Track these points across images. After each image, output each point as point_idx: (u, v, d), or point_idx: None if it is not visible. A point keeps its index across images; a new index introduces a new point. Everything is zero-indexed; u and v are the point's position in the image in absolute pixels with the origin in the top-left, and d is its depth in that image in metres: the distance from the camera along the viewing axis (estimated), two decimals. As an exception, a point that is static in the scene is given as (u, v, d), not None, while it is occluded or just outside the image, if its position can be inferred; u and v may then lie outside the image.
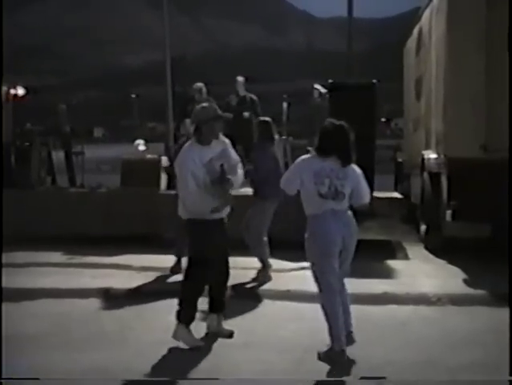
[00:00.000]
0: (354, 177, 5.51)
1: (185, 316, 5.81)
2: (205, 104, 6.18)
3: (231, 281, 6.82)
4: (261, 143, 8.41)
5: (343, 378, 5.16)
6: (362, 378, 5.13)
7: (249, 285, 8.07)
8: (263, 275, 8.20)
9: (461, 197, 9.17)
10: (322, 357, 5.37)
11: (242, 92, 12.36)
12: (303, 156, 5.61)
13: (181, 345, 5.75)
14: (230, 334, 6.00)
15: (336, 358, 5.30)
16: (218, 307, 6.10)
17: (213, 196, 5.78)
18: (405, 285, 8.07)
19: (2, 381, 5.13)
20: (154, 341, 5.90)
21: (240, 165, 6.08)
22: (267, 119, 8.59)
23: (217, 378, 5.13)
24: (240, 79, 12.49)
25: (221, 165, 5.82)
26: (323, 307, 5.42)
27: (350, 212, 5.56)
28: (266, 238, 8.24)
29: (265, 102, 12.73)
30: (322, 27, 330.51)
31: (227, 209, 6.02)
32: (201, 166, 5.75)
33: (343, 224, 5.42)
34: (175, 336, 5.78)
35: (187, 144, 5.99)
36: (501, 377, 5.08)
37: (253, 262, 8.37)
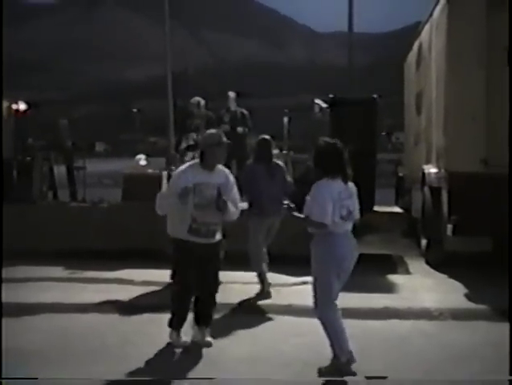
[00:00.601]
0: (355, 194, 5.60)
1: (173, 321, 6.25)
2: (213, 131, 6.45)
3: (235, 297, 6.87)
4: (255, 161, 8.43)
5: (345, 378, 5.23)
6: (368, 377, 5.22)
7: (252, 300, 8.07)
8: (262, 291, 8.22)
9: (461, 212, 9.18)
10: (324, 372, 5.38)
11: (233, 107, 12.42)
12: (321, 183, 5.40)
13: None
14: (210, 345, 6.19)
15: (343, 369, 5.33)
16: (203, 321, 6.29)
17: (196, 218, 5.99)
18: (406, 299, 8.07)
19: (2, 381, 5.14)
20: (156, 355, 5.90)
21: (238, 201, 6.28)
22: (267, 137, 8.61)
23: (213, 378, 5.21)
24: (231, 94, 12.54)
25: (218, 188, 6.00)
26: (324, 321, 5.44)
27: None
28: (264, 254, 8.28)
29: (265, 116, 12.79)
30: (322, 42, 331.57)
31: (217, 236, 6.19)
32: (192, 185, 5.91)
33: (352, 243, 5.55)
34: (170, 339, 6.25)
35: (189, 163, 6.29)
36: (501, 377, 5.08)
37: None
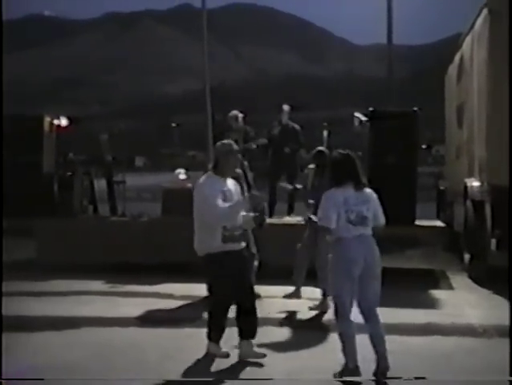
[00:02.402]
0: (373, 200, 5.76)
1: (212, 335, 6.24)
2: (225, 141, 6.49)
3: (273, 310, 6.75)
4: (322, 176, 8.34)
5: (348, 379, 5.26)
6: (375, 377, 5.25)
7: (308, 316, 8.02)
8: (323, 306, 8.08)
9: (505, 226, 9.00)
10: (337, 376, 5.58)
11: (285, 121, 12.32)
12: (328, 191, 5.75)
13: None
14: (263, 356, 6.16)
15: (351, 375, 5.48)
16: (249, 333, 6.22)
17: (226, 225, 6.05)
18: (449, 315, 7.92)
19: (2, 381, 5.15)
20: (194, 371, 5.87)
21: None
22: (323, 148, 8.60)
23: (212, 379, 5.25)
24: (286, 107, 12.42)
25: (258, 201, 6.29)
26: (339, 331, 5.64)
27: (373, 238, 5.73)
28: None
29: (305, 130, 12.69)
30: (361, 54, 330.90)
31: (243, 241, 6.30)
32: (219, 193, 6.02)
33: (366, 247, 5.63)
34: (207, 350, 6.26)
35: (205, 175, 6.30)
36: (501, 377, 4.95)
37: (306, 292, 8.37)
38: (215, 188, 6.05)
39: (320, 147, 8.69)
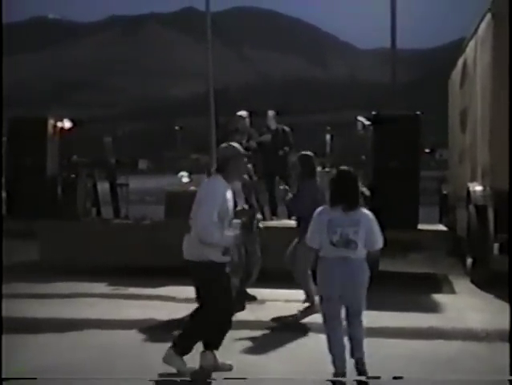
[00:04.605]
0: (365, 222, 5.63)
1: (184, 349, 5.85)
2: (231, 144, 6.11)
3: (274, 313, 6.75)
4: (304, 179, 8.38)
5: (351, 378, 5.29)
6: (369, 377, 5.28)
7: (295, 319, 8.01)
8: (309, 308, 8.12)
9: (508, 230, 9.00)
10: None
11: (273, 126, 12.33)
12: (316, 211, 5.79)
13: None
14: (230, 368, 5.91)
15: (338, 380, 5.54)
16: (218, 343, 5.93)
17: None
18: (451, 319, 7.93)
19: (2, 381, 5.17)
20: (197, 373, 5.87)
21: None
22: (309, 153, 8.56)
23: (214, 379, 5.28)
24: (270, 113, 12.41)
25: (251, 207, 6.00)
26: (327, 336, 5.71)
27: (362, 262, 5.64)
28: (310, 272, 8.22)
29: (307, 133, 12.71)
30: (364, 58, 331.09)
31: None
32: (225, 201, 5.71)
33: (346, 270, 5.56)
34: (166, 360, 5.87)
35: (214, 176, 5.86)
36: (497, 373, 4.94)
37: (297, 295, 8.35)
38: (224, 196, 5.68)
39: (305, 152, 8.61)
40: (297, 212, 8.35)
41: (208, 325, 5.86)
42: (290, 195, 8.43)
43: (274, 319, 7.89)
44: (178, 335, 5.92)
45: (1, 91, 11.59)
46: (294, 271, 8.15)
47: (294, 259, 8.15)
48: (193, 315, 5.98)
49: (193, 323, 5.94)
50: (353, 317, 5.73)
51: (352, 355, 5.64)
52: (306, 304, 8.19)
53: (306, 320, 7.89)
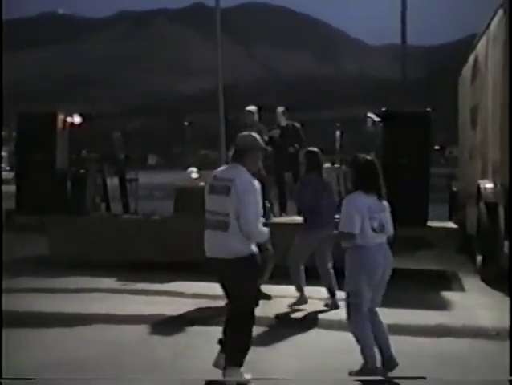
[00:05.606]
0: (388, 210, 5.79)
1: (241, 357, 5.53)
2: (252, 133, 5.81)
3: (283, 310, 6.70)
4: (307, 174, 8.39)
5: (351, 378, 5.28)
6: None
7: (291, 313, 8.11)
8: (298, 303, 8.28)
9: (508, 230, 8.95)
10: (353, 374, 5.61)
11: (283, 122, 12.31)
12: (351, 196, 5.72)
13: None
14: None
15: (370, 375, 5.50)
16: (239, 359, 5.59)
17: None
18: (461, 317, 7.88)
19: (2, 381, 5.17)
20: (205, 369, 5.86)
21: None
22: (314, 149, 8.56)
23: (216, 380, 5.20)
24: (280, 109, 12.40)
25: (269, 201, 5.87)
26: (356, 332, 5.63)
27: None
28: (302, 267, 8.36)
29: (317, 130, 12.68)
30: (375, 55, 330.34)
31: None
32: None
33: (385, 255, 5.68)
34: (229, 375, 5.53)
35: (235, 166, 5.55)
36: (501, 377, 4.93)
37: (307, 291, 8.37)
38: (258, 188, 5.41)
39: (311, 148, 8.63)
40: (299, 204, 8.50)
41: (243, 320, 5.50)
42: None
43: (276, 316, 7.90)
44: (230, 350, 5.57)
45: (1, 90, 11.63)
46: (288, 264, 8.27)
47: (288, 253, 8.28)
48: (228, 325, 5.67)
49: (235, 330, 5.56)
50: (373, 309, 5.71)
51: (381, 351, 5.65)
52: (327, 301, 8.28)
53: (313, 316, 7.90)
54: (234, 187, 5.34)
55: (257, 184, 5.43)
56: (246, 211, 5.29)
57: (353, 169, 5.82)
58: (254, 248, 5.49)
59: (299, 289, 8.36)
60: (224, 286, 5.62)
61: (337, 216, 5.69)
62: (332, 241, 7.69)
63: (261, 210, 5.48)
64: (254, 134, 5.78)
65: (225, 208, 5.36)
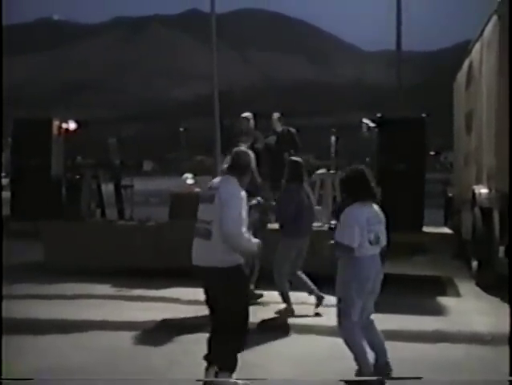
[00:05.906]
0: (383, 222, 5.81)
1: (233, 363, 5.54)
2: (247, 150, 5.91)
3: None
4: (289, 183, 8.36)
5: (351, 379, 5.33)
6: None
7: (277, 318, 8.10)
8: (285, 310, 8.23)
9: (508, 232, 8.96)
10: (348, 381, 5.62)
11: (279, 128, 12.30)
12: (351, 208, 5.67)
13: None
14: None
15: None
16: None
17: None
18: (457, 322, 7.89)
19: (2, 381, 5.16)
20: (201, 376, 5.85)
21: None
22: (298, 159, 8.56)
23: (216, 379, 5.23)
24: (275, 115, 12.39)
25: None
26: (348, 341, 5.65)
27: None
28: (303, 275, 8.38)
29: (313, 135, 12.69)
30: (370, 60, 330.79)
31: None
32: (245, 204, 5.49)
33: (377, 265, 5.71)
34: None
35: (229, 178, 5.59)
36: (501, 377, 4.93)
37: (302, 297, 8.36)
38: (243, 197, 5.42)
39: (295, 158, 8.65)
40: (278, 215, 8.36)
41: (232, 330, 5.49)
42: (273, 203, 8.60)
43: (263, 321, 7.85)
44: (222, 356, 5.55)
45: (1, 91, 11.61)
46: (274, 272, 8.21)
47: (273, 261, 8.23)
48: (213, 334, 5.70)
49: (219, 339, 5.58)
50: (367, 316, 5.76)
51: (377, 356, 5.72)
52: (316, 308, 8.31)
53: (305, 322, 7.90)
54: (218, 194, 5.41)
55: (243, 193, 5.43)
56: (227, 214, 5.27)
57: (346, 182, 5.89)
58: (240, 259, 5.47)
59: (284, 296, 8.23)
60: (207, 295, 5.67)
61: (333, 222, 5.67)
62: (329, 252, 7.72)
63: (245, 220, 5.39)
64: (250, 152, 5.85)
65: (209, 216, 5.42)
